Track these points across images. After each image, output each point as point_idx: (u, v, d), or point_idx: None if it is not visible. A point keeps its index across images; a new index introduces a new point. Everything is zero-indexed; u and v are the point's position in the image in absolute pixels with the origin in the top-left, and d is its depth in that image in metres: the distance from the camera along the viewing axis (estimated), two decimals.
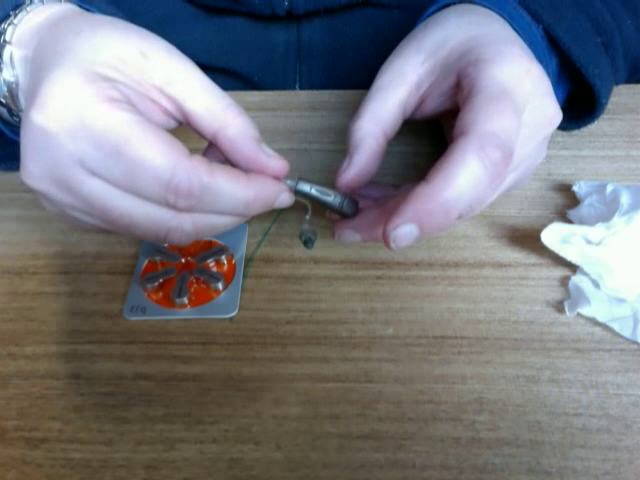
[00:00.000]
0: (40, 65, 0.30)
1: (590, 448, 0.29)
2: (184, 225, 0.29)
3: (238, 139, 0.30)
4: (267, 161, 0.31)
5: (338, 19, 0.54)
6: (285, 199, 0.32)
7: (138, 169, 0.27)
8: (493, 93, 0.30)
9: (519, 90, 0.30)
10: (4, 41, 0.33)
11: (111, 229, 0.31)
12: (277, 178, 0.31)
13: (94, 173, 0.28)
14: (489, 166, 0.28)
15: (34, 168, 0.28)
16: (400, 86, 0.34)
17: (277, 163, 0.31)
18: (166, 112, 0.31)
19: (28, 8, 0.34)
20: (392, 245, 0.29)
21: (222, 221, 0.31)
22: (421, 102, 0.35)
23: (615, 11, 0.44)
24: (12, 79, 0.33)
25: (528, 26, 0.39)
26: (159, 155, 0.27)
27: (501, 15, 0.37)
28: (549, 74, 0.40)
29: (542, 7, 0.40)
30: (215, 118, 0.30)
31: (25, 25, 0.33)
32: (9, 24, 0.33)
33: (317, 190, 0.33)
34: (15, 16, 0.33)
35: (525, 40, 0.37)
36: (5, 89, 0.33)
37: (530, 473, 0.28)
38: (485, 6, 0.37)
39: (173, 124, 0.32)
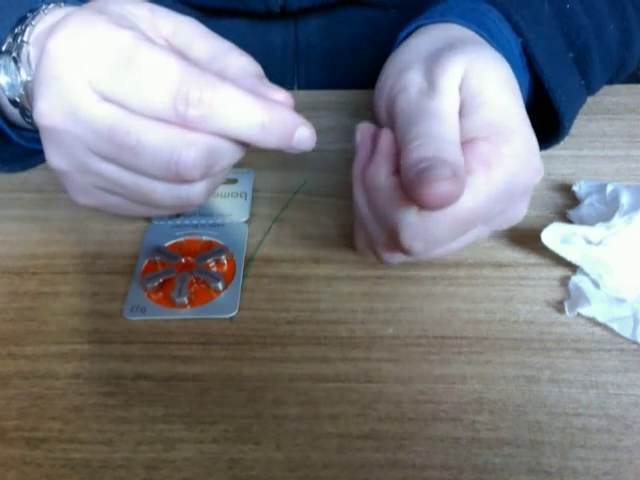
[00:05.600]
0: None
1: (590, 448, 0.29)
2: (195, 147, 0.28)
3: (239, 77, 0.30)
4: (268, 92, 0.30)
5: (335, 19, 0.54)
6: (305, 134, 0.29)
7: (147, 78, 0.27)
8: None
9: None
10: (22, 41, 0.33)
11: (122, 157, 0.29)
12: None
13: (104, 95, 0.27)
14: None
15: (45, 103, 0.28)
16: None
17: (280, 94, 0.30)
18: None
19: (46, 10, 0.34)
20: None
21: (234, 149, 0.29)
22: None
23: (599, 18, 0.42)
24: (29, 77, 0.33)
25: (507, 42, 0.37)
26: (168, 62, 0.27)
27: (480, 34, 0.36)
28: (522, 90, 0.38)
29: (524, 19, 0.38)
30: (218, 61, 0.30)
31: (43, 25, 0.33)
32: (26, 25, 0.33)
33: None
34: (33, 18, 0.34)
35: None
36: (21, 88, 0.33)
37: (530, 473, 0.28)
38: (462, 24, 0.36)
39: None
